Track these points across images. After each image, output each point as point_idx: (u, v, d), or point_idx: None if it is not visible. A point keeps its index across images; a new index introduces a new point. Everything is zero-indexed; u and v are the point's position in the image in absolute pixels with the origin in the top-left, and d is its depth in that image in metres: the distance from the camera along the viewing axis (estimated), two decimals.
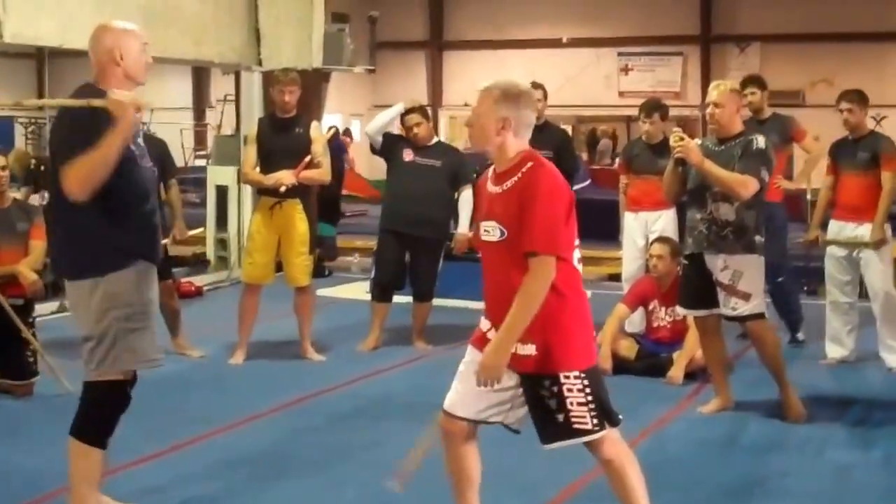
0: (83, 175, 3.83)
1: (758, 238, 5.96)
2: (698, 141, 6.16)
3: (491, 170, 3.84)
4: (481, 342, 3.82)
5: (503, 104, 3.74)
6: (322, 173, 7.44)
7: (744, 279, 5.91)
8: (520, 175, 3.69)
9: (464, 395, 3.86)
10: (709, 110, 6.07)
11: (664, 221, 8.14)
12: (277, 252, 7.45)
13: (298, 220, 7.37)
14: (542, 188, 3.64)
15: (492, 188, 3.79)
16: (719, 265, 5.94)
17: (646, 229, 8.10)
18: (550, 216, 3.62)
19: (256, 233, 7.42)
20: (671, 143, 6.04)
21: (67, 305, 4.19)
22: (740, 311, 5.97)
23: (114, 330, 4.00)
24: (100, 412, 4.08)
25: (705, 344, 6.32)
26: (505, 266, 3.69)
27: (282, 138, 7.28)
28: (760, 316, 6.05)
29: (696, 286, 6.12)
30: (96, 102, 3.96)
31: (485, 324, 3.85)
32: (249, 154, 7.40)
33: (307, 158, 7.22)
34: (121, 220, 4.02)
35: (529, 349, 3.68)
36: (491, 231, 3.74)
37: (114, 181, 3.90)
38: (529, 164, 3.71)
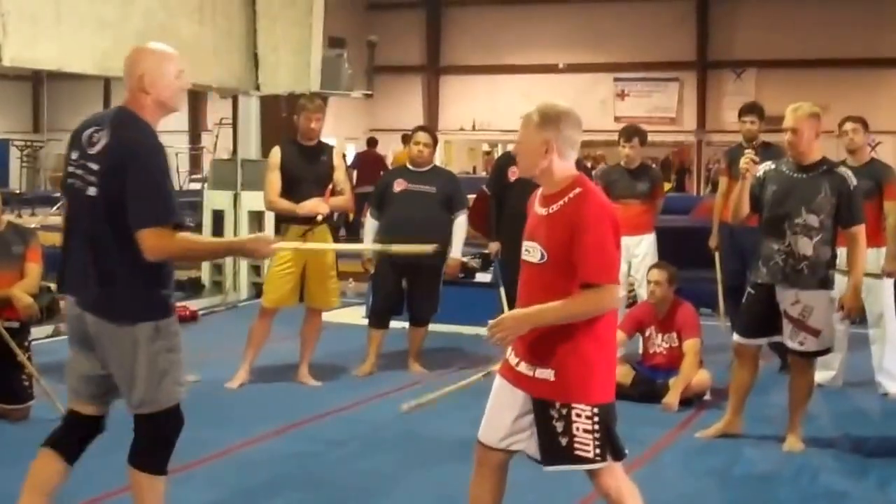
0: (178, 254, 3.88)
1: (831, 273, 5.87)
2: (772, 165, 6.04)
3: (539, 190, 3.84)
4: (509, 372, 3.83)
5: (544, 127, 3.72)
6: (347, 200, 7.59)
7: (814, 315, 5.81)
8: (566, 200, 3.68)
9: (488, 421, 3.87)
10: (786, 137, 5.90)
11: (646, 246, 8.20)
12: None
13: (328, 244, 7.46)
14: (591, 216, 3.62)
15: (538, 209, 3.79)
16: (790, 299, 5.84)
17: (628, 254, 8.12)
18: (604, 245, 3.61)
19: (285, 259, 7.34)
20: (742, 164, 5.99)
21: (105, 347, 3.93)
22: (808, 347, 5.89)
23: (162, 366, 3.93)
24: (164, 440, 4.02)
25: (741, 368, 6.17)
26: (539, 289, 3.68)
27: (310, 166, 7.30)
28: (824, 352, 6.01)
29: (759, 316, 6.00)
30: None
31: (513, 359, 3.82)
32: (273, 180, 7.31)
33: (331, 186, 7.30)
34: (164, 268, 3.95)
35: (548, 374, 3.67)
36: (531, 252, 3.75)
37: None
38: (577, 189, 3.69)
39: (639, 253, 8.10)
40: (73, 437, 4.10)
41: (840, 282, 6.06)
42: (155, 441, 4.00)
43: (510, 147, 14.42)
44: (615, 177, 8.35)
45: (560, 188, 3.72)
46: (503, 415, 3.81)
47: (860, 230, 5.85)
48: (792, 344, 5.93)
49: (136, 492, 4.02)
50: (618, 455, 3.75)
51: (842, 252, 6.63)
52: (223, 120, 21.11)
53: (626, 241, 7.92)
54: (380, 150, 19.84)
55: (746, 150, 6.24)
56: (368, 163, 18.05)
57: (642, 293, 8.01)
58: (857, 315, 6.16)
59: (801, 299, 5.82)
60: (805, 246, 5.79)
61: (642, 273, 7.95)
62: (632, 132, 8.42)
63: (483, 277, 9.89)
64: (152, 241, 3.73)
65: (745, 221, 6.24)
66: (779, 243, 5.86)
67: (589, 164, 22.04)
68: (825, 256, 5.82)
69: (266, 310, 7.49)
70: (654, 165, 10.01)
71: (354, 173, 17.17)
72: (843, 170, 5.94)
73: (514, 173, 7.82)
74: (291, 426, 6.43)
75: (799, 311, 5.83)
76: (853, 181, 5.85)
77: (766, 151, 7.50)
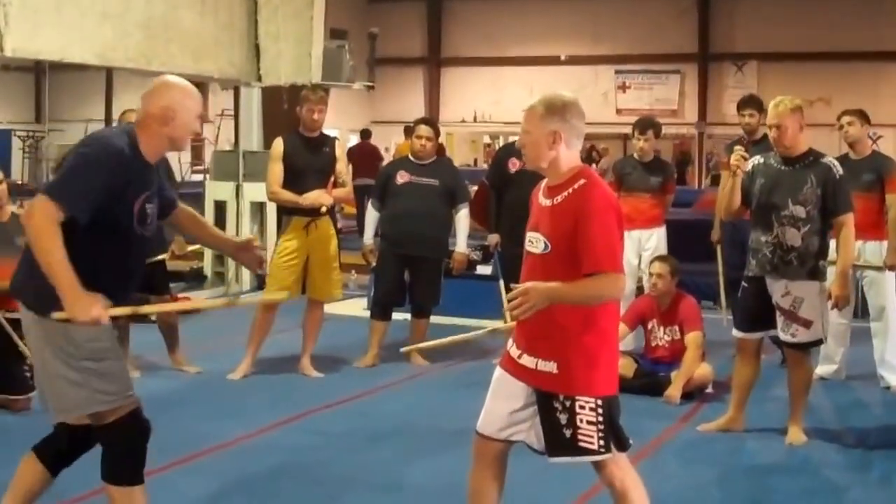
0: (34, 232, 3.62)
1: (821, 263, 5.85)
2: (760, 159, 6.02)
3: (543, 182, 3.83)
4: (511, 364, 3.82)
5: (550, 118, 3.70)
6: (349, 192, 7.62)
7: (805, 306, 5.80)
8: (571, 191, 3.67)
9: (488, 412, 3.86)
10: (771, 133, 5.91)
11: (657, 239, 8.17)
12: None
13: (331, 235, 7.47)
14: (596, 206, 3.62)
15: (542, 200, 3.77)
16: (780, 290, 5.84)
17: (639, 247, 8.10)
18: (608, 234, 3.61)
19: (289, 251, 7.34)
20: (732, 160, 5.99)
21: (27, 336, 3.87)
22: (800, 339, 5.87)
23: (79, 372, 3.73)
24: (127, 449, 3.85)
25: (742, 363, 6.16)
26: (542, 279, 3.65)
27: (312, 157, 7.30)
28: (817, 343, 6.01)
29: (754, 309, 5.99)
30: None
31: (514, 350, 3.82)
32: (276, 171, 7.31)
33: (333, 178, 7.31)
34: (92, 270, 3.67)
35: (550, 366, 3.67)
36: (535, 242, 3.74)
37: (98, 236, 3.69)
38: (582, 180, 3.69)
39: (649, 247, 8.09)
40: (55, 446, 4.00)
41: (833, 273, 6.04)
42: (116, 453, 3.83)
43: (511, 139, 14.38)
44: (628, 169, 8.32)
45: (565, 179, 3.72)
46: (503, 406, 3.81)
47: (847, 219, 5.83)
48: (784, 336, 5.94)
49: None
50: (622, 446, 3.76)
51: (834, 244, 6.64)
52: (225, 111, 21.08)
53: (638, 235, 8.00)
54: (381, 142, 19.80)
55: (736, 147, 6.24)
56: (363, 155, 17.99)
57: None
58: (845, 305, 6.12)
59: (792, 290, 5.83)
60: (793, 237, 5.79)
61: None
62: (646, 124, 8.38)
63: (484, 270, 9.90)
64: (35, 204, 3.63)
65: (739, 216, 6.24)
66: (767, 235, 5.87)
67: (594, 156, 22.08)
68: (814, 247, 5.82)
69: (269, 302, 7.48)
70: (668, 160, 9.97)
71: (350, 166, 17.10)
72: (828, 160, 5.92)
73: (514, 165, 7.81)
74: (294, 418, 6.43)
75: (790, 303, 5.84)
76: (839, 171, 5.84)
77: (760, 145, 7.49)
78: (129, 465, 3.85)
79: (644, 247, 8.12)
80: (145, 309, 4.04)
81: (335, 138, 7.67)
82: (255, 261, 4.38)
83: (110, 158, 3.69)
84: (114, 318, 3.82)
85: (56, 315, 3.60)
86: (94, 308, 3.59)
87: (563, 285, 3.60)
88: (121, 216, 3.74)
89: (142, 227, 3.84)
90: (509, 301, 3.64)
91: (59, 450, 4.01)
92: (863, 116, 7.38)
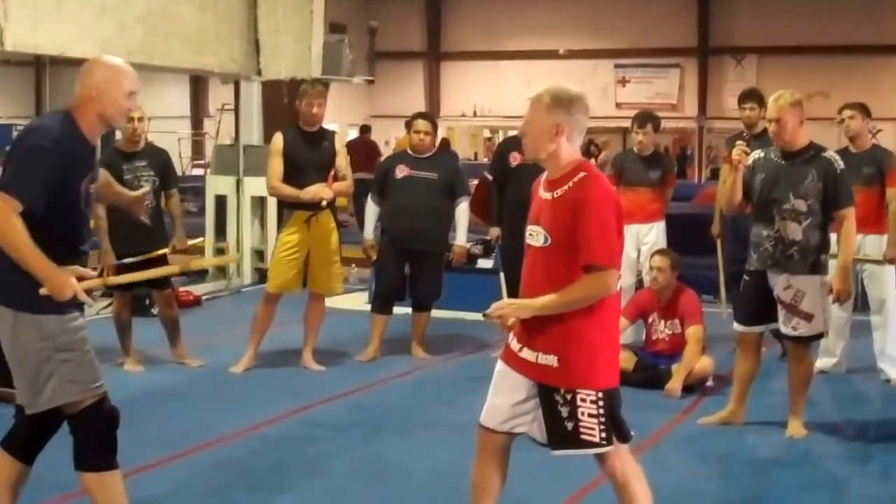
0: (6, 241, 3.66)
1: (823, 257, 5.86)
2: (760, 153, 6.03)
3: (544, 175, 3.83)
4: (512, 358, 3.84)
5: (555, 110, 3.71)
6: (349, 185, 7.61)
7: (806, 299, 5.80)
8: (571, 185, 3.68)
9: (490, 405, 3.88)
10: (770, 127, 5.92)
11: (656, 233, 8.18)
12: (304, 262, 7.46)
13: (332, 229, 7.49)
14: (593, 200, 3.63)
15: (543, 194, 3.78)
16: (782, 284, 5.84)
17: (638, 241, 8.11)
18: (604, 228, 3.62)
19: (290, 245, 7.37)
20: (734, 155, 6.00)
21: None
22: (801, 332, 5.88)
23: (51, 363, 3.78)
24: (96, 437, 3.89)
25: (743, 357, 6.18)
26: (543, 273, 3.69)
27: (312, 151, 7.31)
28: (818, 337, 6.02)
29: (755, 303, 6.00)
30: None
31: (515, 344, 3.82)
32: (276, 166, 7.31)
33: (333, 172, 7.32)
34: (45, 252, 3.72)
35: (550, 360, 3.69)
36: (535, 236, 3.75)
37: (55, 220, 3.77)
38: (581, 174, 3.69)
39: (648, 241, 8.10)
40: (21, 437, 4.02)
41: (834, 267, 6.04)
42: (86, 441, 3.87)
43: (511, 133, 14.37)
44: (628, 164, 8.32)
45: (565, 172, 3.72)
46: (505, 398, 3.83)
47: (849, 213, 5.84)
48: (786, 329, 5.95)
49: (89, 494, 3.94)
50: (623, 438, 3.78)
51: (834, 238, 6.64)
52: (225, 106, 21.09)
53: (637, 228, 7.99)
54: (381, 136, 19.75)
55: (738, 142, 6.25)
56: (361, 149, 17.98)
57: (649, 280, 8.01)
58: (846, 298, 6.13)
59: (793, 284, 5.83)
60: (794, 231, 5.80)
61: None
62: (645, 118, 8.37)
63: (485, 263, 9.91)
64: None
65: (740, 210, 6.25)
66: (768, 229, 5.88)
67: (592, 150, 22.07)
68: (815, 241, 5.82)
69: (270, 295, 7.50)
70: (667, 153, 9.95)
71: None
72: (829, 154, 5.92)
73: (515, 158, 7.82)
74: (295, 411, 6.45)
75: (791, 296, 5.85)
76: (840, 164, 5.85)
77: (760, 139, 7.48)
78: (99, 452, 3.89)
79: (643, 241, 8.13)
80: (114, 280, 4.59)
81: (334, 132, 7.69)
82: (141, 211, 4.68)
83: (59, 146, 3.78)
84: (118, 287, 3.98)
85: (42, 290, 3.70)
86: (66, 287, 3.71)
87: (543, 300, 3.65)
88: (68, 199, 3.83)
89: (86, 206, 3.95)
90: (485, 316, 3.71)
91: (25, 439, 4.03)
92: (864, 110, 7.39)
